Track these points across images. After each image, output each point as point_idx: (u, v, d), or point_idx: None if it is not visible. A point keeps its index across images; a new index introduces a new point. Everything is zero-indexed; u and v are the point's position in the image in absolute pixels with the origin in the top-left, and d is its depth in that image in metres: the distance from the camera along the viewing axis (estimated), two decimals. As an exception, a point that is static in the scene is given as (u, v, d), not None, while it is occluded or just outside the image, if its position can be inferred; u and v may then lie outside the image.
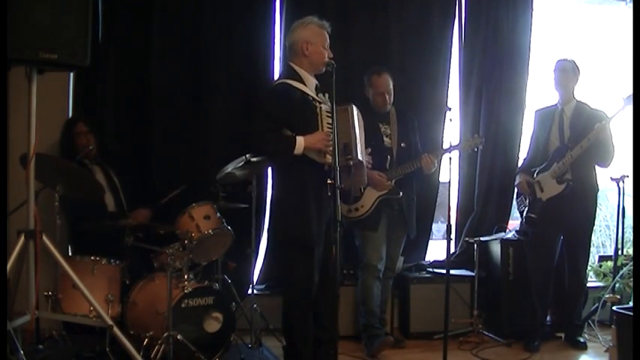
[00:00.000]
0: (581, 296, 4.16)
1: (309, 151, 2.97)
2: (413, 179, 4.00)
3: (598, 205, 4.11)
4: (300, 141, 2.95)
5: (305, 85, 3.10)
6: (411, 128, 4.10)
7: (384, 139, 3.92)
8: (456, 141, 4.21)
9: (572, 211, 3.94)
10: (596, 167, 4.02)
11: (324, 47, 3.13)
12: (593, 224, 4.11)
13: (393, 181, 3.87)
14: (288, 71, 3.15)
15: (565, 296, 4.12)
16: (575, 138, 3.92)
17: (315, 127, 2.99)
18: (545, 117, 4.14)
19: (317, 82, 3.14)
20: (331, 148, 2.81)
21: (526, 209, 4.12)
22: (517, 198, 4.25)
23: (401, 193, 3.89)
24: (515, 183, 4.19)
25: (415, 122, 4.13)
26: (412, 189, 4.03)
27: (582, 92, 4.16)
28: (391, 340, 3.84)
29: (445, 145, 4.17)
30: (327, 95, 3.12)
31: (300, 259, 3.08)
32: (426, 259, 4.71)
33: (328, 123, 2.96)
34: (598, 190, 4.06)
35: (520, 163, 4.46)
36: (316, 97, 3.10)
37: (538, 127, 4.19)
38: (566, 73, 4.03)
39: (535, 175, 4.08)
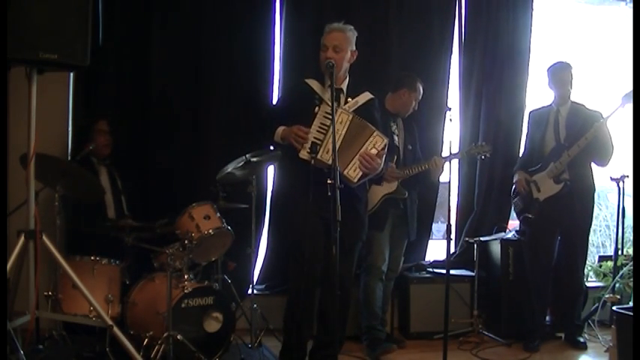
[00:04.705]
0: (580, 296, 4.16)
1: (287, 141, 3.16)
2: (417, 182, 4.01)
3: (598, 205, 4.12)
4: (279, 130, 3.21)
5: (323, 86, 3.22)
6: (414, 134, 4.12)
7: (394, 137, 3.91)
8: (456, 141, 4.22)
9: (570, 210, 3.95)
10: (594, 166, 4.03)
11: (322, 50, 3.21)
12: (591, 223, 4.12)
13: (399, 182, 3.88)
14: (316, 73, 3.32)
15: (564, 296, 4.12)
16: (572, 137, 3.92)
17: (309, 123, 3.10)
18: (540, 117, 4.15)
19: (330, 83, 3.13)
20: (308, 144, 3.05)
21: (521, 209, 4.12)
22: (513, 198, 4.25)
23: (407, 194, 3.90)
24: (514, 180, 4.19)
25: (416, 131, 4.14)
26: (415, 191, 4.04)
27: (582, 92, 4.16)
28: (395, 348, 3.83)
29: (445, 146, 4.18)
30: (354, 99, 3.25)
31: (292, 259, 3.21)
32: (426, 259, 4.71)
33: (322, 123, 3.07)
34: (595, 189, 4.07)
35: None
36: (323, 98, 3.17)
37: (533, 128, 4.20)
38: (564, 75, 4.03)
39: (531, 174, 4.08)
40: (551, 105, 4.14)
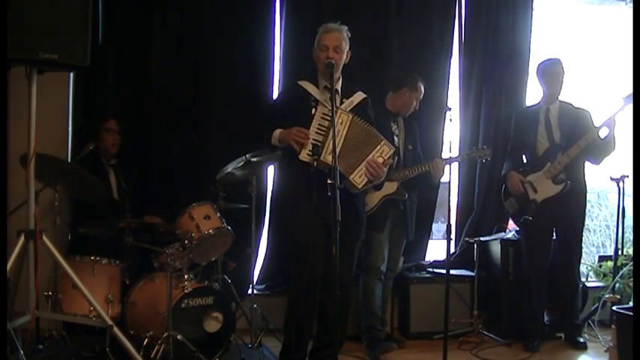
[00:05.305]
0: (577, 294, 4.15)
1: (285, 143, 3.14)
2: (417, 183, 4.00)
3: (597, 205, 4.12)
4: (276, 133, 3.17)
5: (318, 87, 3.23)
6: (415, 134, 4.11)
7: (394, 138, 3.90)
8: (457, 141, 4.21)
9: (567, 210, 3.95)
10: (590, 165, 4.03)
11: (321, 49, 3.20)
12: (584, 221, 4.13)
13: (399, 183, 3.87)
14: (310, 74, 3.31)
15: (561, 295, 4.12)
16: (568, 137, 3.91)
17: (307, 125, 3.09)
18: (529, 117, 4.11)
19: (326, 84, 3.16)
20: (308, 145, 3.03)
21: (516, 210, 4.11)
22: (505, 200, 4.19)
23: (407, 195, 3.90)
24: (508, 182, 4.13)
25: (417, 130, 4.14)
26: (415, 192, 4.03)
27: (582, 92, 4.16)
28: (395, 347, 3.83)
29: (446, 146, 4.17)
30: (348, 99, 3.25)
31: (292, 259, 3.22)
32: (426, 259, 4.71)
33: (321, 125, 3.08)
34: (586, 187, 4.07)
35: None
36: (318, 99, 3.17)
37: (521, 127, 4.13)
38: (556, 70, 4.01)
39: (524, 175, 4.06)
40: (539, 103, 4.12)
